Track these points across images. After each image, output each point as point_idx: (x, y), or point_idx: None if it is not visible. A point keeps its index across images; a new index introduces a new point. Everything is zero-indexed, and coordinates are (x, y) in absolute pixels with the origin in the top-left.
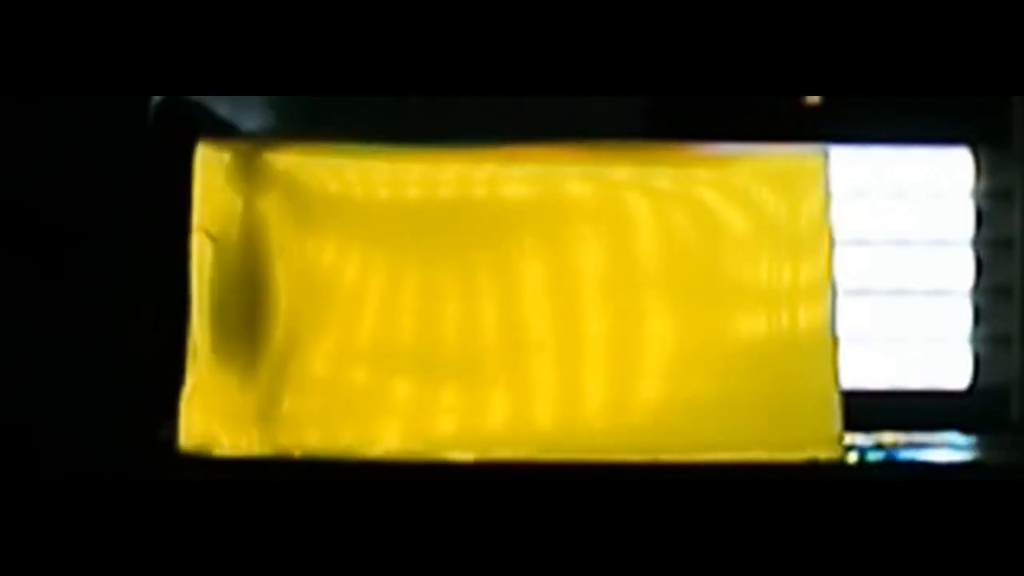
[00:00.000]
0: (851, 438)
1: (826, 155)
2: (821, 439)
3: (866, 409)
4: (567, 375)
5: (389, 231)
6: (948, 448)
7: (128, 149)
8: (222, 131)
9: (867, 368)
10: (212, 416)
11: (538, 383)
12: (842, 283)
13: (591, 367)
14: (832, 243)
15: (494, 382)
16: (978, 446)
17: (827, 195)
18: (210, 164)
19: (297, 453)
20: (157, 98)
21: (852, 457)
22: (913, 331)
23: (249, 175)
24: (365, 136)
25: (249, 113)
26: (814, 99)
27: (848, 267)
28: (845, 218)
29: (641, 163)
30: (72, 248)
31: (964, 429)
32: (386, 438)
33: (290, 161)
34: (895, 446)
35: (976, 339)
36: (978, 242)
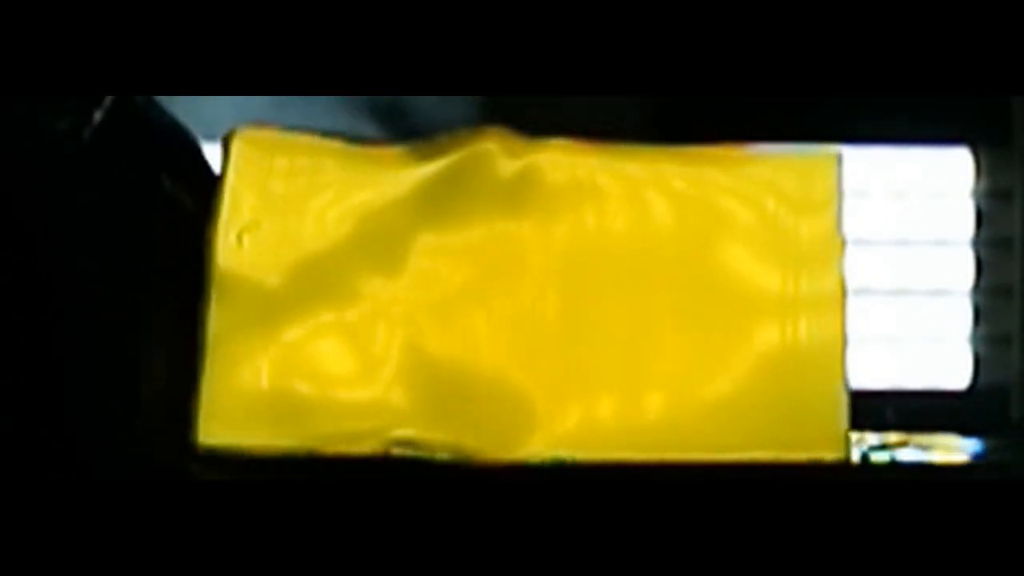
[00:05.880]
0: (852, 438)
1: (839, 156)
2: (827, 439)
3: (866, 409)
4: (582, 377)
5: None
6: (949, 448)
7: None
8: (177, 131)
9: (867, 368)
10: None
11: (550, 384)
12: None
13: (602, 368)
14: (844, 244)
15: (517, 381)
16: (978, 446)
17: (840, 196)
18: (245, 158)
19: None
20: (109, 96)
21: (855, 457)
22: (913, 331)
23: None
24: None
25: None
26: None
27: (848, 267)
28: (845, 218)
29: (651, 163)
30: (82, 250)
31: (964, 429)
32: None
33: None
34: (898, 446)
35: (976, 339)
36: (978, 242)
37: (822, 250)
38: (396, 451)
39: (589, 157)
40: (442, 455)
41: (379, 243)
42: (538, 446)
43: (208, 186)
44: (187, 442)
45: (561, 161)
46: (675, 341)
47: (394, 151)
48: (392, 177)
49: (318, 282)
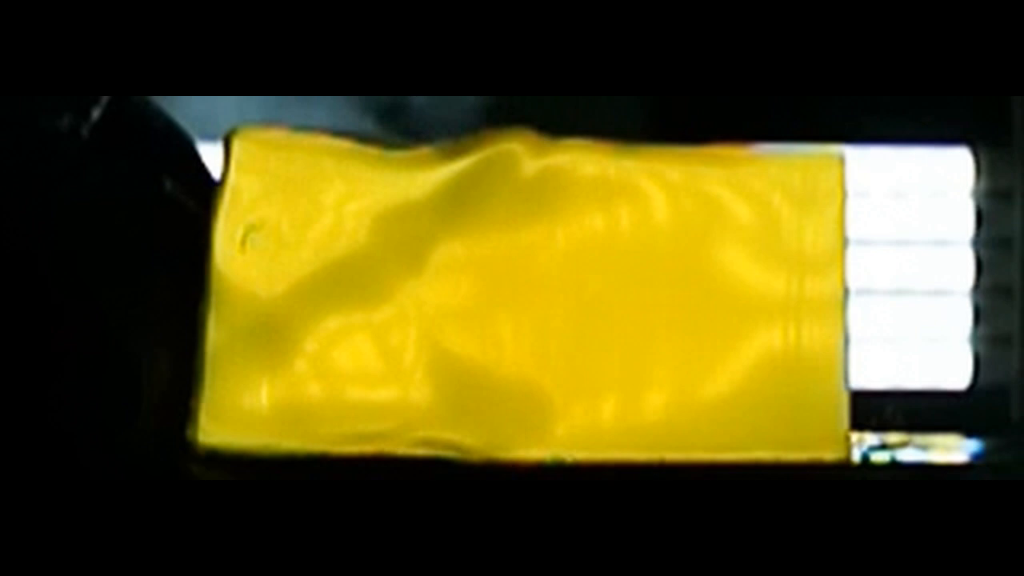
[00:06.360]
0: (853, 438)
1: (843, 157)
2: (828, 439)
3: (866, 409)
4: (600, 377)
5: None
6: (949, 448)
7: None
8: (173, 129)
9: (867, 368)
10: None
11: (568, 384)
12: None
13: (620, 369)
14: (846, 244)
15: (535, 381)
16: (978, 446)
17: (843, 197)
18: (248, 157)
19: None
20: (105, 96)
21: (855, 457)
22: (913, 331)
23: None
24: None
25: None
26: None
27: (848, 267)
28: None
29: (654, 163)
30: (81, 248)
31: (964, 429)
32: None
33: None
34: (898, 446)
35: (976, 339)
36: (978, 242)
37: (825, 250)
38: (403, 450)
39: (614, 158)
40: (455, 455)
41: (393, 244)
42: (555, 446)
43: (206, 185)
44: (188, 442)
45: (586, 161)
46: (680, 341)
47: (411, 152)
48: (406, 178)
49: (326, 283)
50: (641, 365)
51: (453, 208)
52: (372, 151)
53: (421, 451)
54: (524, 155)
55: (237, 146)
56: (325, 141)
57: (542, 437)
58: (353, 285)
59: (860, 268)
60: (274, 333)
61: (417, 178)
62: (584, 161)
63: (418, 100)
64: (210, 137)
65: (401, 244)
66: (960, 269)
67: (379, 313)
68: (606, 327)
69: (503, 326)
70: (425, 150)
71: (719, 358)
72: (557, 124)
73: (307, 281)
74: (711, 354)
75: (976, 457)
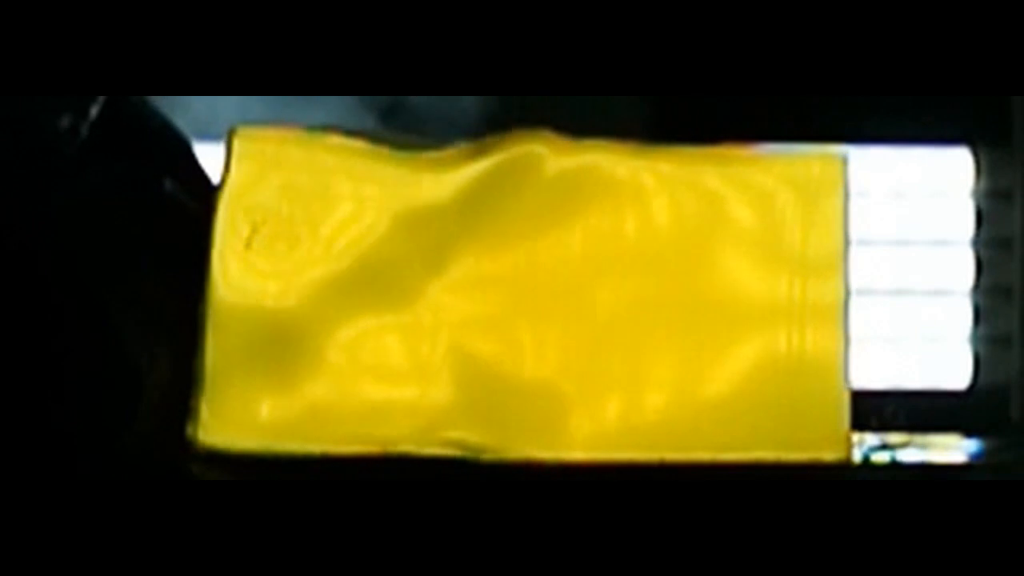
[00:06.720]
0: (854, 438)
1: (845, 157)
2: (829, 439)
3: (866, 409)
4: (598, 377)
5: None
6: (949, 448)
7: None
8: (169, 129)
9: (867, 368)
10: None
11: (570, 384)
12: None
13: (620, 369)
14: (848, 245)
15: (551, 380)
16: (978, 446)
17: (846, 198)
18: (249, 156)
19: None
20: (101, 97)
21: (856, 457)
22: (913, 331)
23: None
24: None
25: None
26: None
27: (849, 267)
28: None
29: (670, 165)
30: (80, 246)
31: (964, 429)
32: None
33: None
34: (899, 446)
35: (976, 339)
36: (978, 242)
37: (827, 251)
38: (421, 451)
39: (634, 159)
40: (470, 455)
41: (412, 244)
42: (570, 447)
43: (204, 185)
44: (188, 442)
45: (606, 163)
46: (685, 342)
47: (432, 153)
48: (426, 179)
49: (340, 283)
50: (652, 366)
51: (475, 210)
52: (384, 151)
53: (438, 451)
54: (547, 156)
55: (238, 145)
56: (333, 140)
57: (557, 438)
58: (370, 285)
59: (860, 268)
60: (281, 333)
61: (439, 179)
62: (605, 163)
63: (418, 100)
64: (210, 137)
65: (421, 245)
66: (960, 269)
67: (398, 314)
68: (621, 329)
69: (522, 329)
70: (447, 151)
71: (722, 358)
72: (558, 124)
73: (318, 281)
74: (714, 354)
75: (976, 457)
